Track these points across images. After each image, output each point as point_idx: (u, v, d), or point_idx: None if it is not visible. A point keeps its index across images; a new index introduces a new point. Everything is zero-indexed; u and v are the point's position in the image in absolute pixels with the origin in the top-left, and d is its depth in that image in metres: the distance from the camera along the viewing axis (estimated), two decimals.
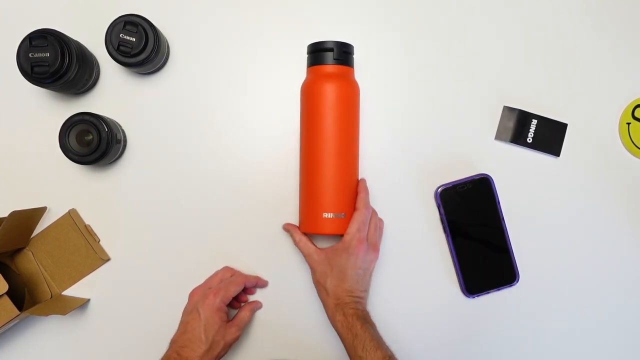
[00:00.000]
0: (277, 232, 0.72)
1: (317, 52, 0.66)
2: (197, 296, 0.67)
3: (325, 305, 0.67)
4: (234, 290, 0.67)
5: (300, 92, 0.68)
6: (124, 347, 0.72)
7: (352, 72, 0.68)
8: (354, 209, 0.67)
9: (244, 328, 0.69)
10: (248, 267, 0.72)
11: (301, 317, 0.73)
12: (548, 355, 0.74)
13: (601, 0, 0.75)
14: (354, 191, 0.68)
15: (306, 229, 0.68)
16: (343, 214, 0.66)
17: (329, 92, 0.65)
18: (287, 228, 0.70)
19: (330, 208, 0.66)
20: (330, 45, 0.65)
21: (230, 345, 0.67)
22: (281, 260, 0.73)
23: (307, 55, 0.68)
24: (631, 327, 0.74)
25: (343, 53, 0.66)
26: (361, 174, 0.71)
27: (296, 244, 0.69)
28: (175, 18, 0.74)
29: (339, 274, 0.65)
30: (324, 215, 0.66)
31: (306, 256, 0.68)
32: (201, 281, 0.70)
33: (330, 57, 0.65)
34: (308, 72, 0.68)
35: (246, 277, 0.71)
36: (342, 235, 0.66)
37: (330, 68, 0.66)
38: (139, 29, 0.66)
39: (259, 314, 0.73)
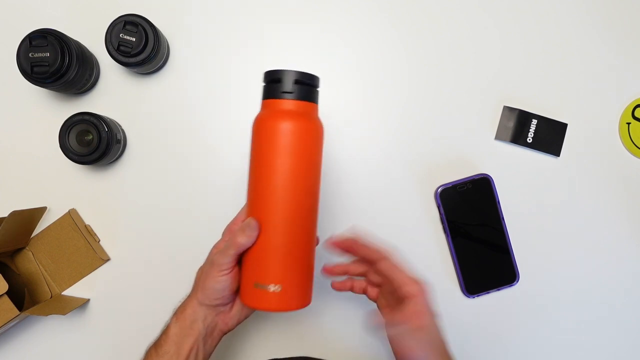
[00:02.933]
0: None
1: (273, 83, 0.53)
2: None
3: None
4: (245, 242, 0.53)
5: (252, 128, 0.55)
6: (124, 347, 0.72)
7: (316, 109, 0.55)
8: (298, 276, 0.54)
9: (237, 248, 0.54)
10: None
11: (304, 317, 0.73)
12: (548, 355, 0.74)
13: (601, 0, 0.75)
14: (300, 257, 0.54)
15: (242, 300, 0.55)
16: (279, 286, 0.53)
17: (284, 133, 0.52)
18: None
19: (265, 278, 0.53)
20: (289, 76, 0.52)
21: (222, 271, 0.54)
22: None
23: (262, 85, 0.55)
24: (632, 326, 0.74)
25: (305, 86, 0.53)
26: (361, 177, 0.71)
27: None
28: (175, 18, 0.74)
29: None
30: (255, 285, 0.53)
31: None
32: None
33: (288, 90, 0.52)
34: (262, 106, 0.54)
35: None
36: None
37: (287, 104, 0.52)
38: (139, 28, 0.66)
39: (266, 312, 0.72)
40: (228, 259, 0.54)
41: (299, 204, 0.53)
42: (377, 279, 0.58)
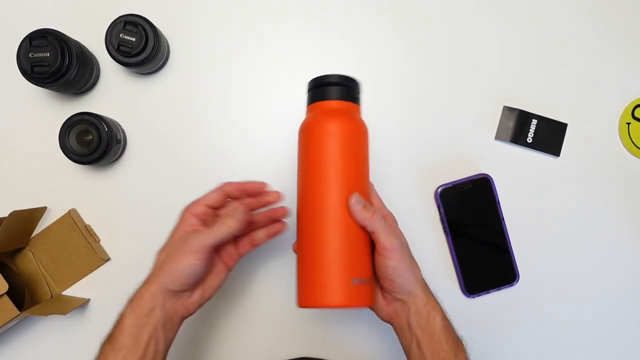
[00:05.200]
0: None
1: (319, 88, 0.56)
2: None
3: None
4: (235, 227, 0.55)
5: (301, 132, 0.56)
6: None
7: (359, 110, 0.58)
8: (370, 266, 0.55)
9: (222, 234, 0.54)
10: (248, 267, 0.72)
11: (302, 317, 0.73)
12: (548, 354, 0.74)
13: (601, 0, 0.75)
14: (369, 251, 0.55)
15: (328, 302, 0.53)
16: (367, 279, 0.54)
17: (334, 131, 0.54)
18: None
19: (358, 272, 0.53)
20: (334, 80, 0.55)
21: (196, 254, 0.53)
22: (281, 260, 0.73)
23: (307, 93, 0.58)
24: (632, 326, 0.74)
25: (349, 88, 0.56)
26: None
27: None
28: (175, 18, 0.74)
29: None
30: (352, 282, 0.52)
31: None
32: None
33: (334, 93, 0.55)
34: (308, 110, 0.57)
35: (229, 183, 0.59)
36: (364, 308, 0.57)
37: (335, 104, 0.55)
38: (139, 29, 0.67)
39: (267, 312, 0.72)
40: (208, 242, 0.53)
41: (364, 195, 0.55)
42: None
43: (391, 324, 0.58)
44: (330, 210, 0.53)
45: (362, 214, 0.52)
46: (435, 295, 0.57)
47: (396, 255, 0.53)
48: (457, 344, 0.55)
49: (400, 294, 0.55)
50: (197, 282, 0.56)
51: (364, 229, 0.53)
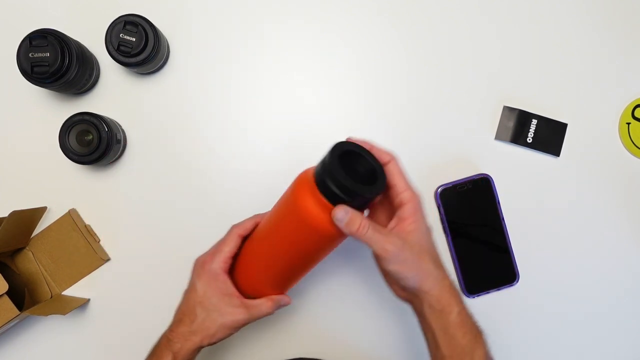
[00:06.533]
0: None
1: (338, 185, 0.49)
2: (195, 265, 0.59)
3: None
4: (228, 249, 0.57)
5: (292, 189, 0.54)
6: (124, 347, 0.72)
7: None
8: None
9: (257, 317, 0.58)
10: None
11: (301, 317, 0.73)
12: (548, 354, 0.74)
13: (601, 0, 0.75)
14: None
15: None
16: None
17: (314, 231, 0.52)
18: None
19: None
20: (357, 190, 0.49)
21: (233, 329, 0.57)
22: None
23: (326, 161, 0.50)
24: (632, 326, 0.74)
25: (362, 200, 0.51)
26: None
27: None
28: (175, 18, 0.74)
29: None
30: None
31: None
32: None
33: (346, 198, 0.50)
34: (313, 190, 0.51)
35: (243, 226, 0.59)
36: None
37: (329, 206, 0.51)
38: (139, 29, 0.66)
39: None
40: (244, 322, 0.58)
41: (289, 271, 0.59)
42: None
43: (409, 305, 0.58)
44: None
45: (348, 229, 0.50)
46: (453, 286, 0.54)
47: (393, 261, 0.51)
48: (474, 337, 0.54)
49: (410, 291, 0.55)
50: None
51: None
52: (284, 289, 0.61)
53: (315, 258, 0.58)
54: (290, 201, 0.53)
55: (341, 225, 0.50)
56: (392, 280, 0.57)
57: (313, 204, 0.51)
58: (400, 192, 0.53)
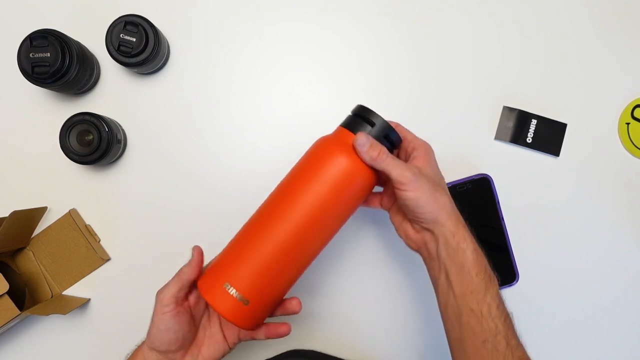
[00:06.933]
0: None
1: (361, 119, 0.55)
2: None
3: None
4: (188, 272, 0.55)
5: (314, 144, 0.57)
6: (125, 347, 0.72)
7: None
8: (265, 302, 0.54)
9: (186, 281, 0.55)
10: None
11: (308, 315, 0.73)
12: (548, 354, 0.74)
13: (601, 0, 0.75)
14: (280, 285, 0.54)
15: (201, 288, 0.54)
16: (247, 300, 0.52)
17: (340, 167, 0.53)
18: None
19: (238, 284, 0.52)
20: (374, 120, 0.55)
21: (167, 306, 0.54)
22: None
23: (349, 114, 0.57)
24: (631, 326, 0.74)
25: (385, 137, 0.55)
26: None
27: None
28: (175, 18, 0.74)
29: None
30: (224, 286, 0.52)
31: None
32: None
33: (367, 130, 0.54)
34: (337, 131, 0.56)
35: (198, 255, 0.56)
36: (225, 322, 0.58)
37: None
38: (139, 29, 0.67)
39: None
40: (170, 292, 0.54)
41: (310, 233, 0.53)
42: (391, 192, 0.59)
43: (419, 253, 0.58)
44: (277, 213, 0.54)
45: (369, 154, 0.52)
46: (466, 226, 0.55)
47: (412, 187, 0.53)
48: (488, 278, 0.54)
49: (425, 224, 0.55)
50: (181, 341, 0.56)
51: (372, 169, 0.54)
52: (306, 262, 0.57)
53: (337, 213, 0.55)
54: (316, 157, 0.55)
55: (363, 150, 0.52)
56: (406, 222, 0.57)
57: (340, 147, 0.54)
58: (412, 140, 0.58)
